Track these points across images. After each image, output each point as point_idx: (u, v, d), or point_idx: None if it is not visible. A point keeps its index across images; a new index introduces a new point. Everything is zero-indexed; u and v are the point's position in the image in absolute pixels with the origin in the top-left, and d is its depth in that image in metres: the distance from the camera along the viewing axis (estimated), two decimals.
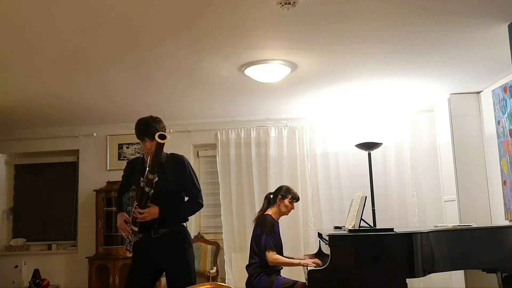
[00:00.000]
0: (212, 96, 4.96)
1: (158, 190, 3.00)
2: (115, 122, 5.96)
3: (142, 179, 2.97)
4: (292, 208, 4.03)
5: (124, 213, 3.19)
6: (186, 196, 3.23)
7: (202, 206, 3.22)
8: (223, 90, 4.75)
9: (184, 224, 3.22)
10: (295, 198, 4.04)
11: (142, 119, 3.11)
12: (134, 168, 3.24)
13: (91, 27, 3.12)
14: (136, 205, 3.02)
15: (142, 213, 2.99)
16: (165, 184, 3.06)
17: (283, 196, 3.97)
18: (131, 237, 3.10)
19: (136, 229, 3.07)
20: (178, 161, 3.20)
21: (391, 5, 2.93)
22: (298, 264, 3.83)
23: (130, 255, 3.20)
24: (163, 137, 2.86)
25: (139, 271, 3.14)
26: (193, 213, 3.27)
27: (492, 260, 3.68)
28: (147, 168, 2.94)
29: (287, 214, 4.06)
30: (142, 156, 3.29)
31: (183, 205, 3.21)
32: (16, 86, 4.40)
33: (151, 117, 3.12)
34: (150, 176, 2.92)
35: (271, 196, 4.06)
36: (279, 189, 4.06)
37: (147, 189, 2.95)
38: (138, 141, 3.18)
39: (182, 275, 3.08)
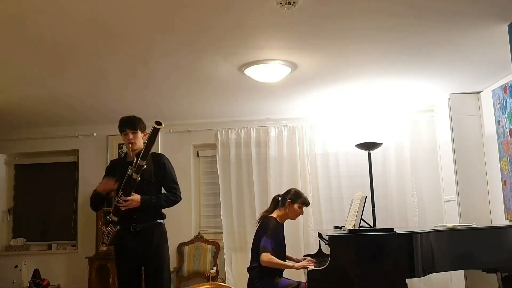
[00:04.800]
0: (212, 96, 4.96)
1: (139, 183, 3.21)
2: (115, 122, 5.92)
3: (130, 167, 3.16)
4: (301, 213, 3.92)
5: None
6: (165, 190, 3.43)
7: (180, 199, 3.42)
8: (223, 90, 4.75)
9: (162, 220, 3.40)
10: (305, 203, 3.90)
11: (124, 116, 3.47)
12: (116, 165, 3.44)
13: (90, 27, 3.12)
14: (121, 194, 3.19)
15: (127, 201, 3.17)
16: (144, 176, 3.25)
17: (293, 200, 3.84)
18: (110, 228, 3.27)
19: (115, 219, 3.25)
20: (159, 158, 3.47)
21: (391, 5, 2.92)
22: (292, 267, 3.73)
23: (104, 249, 3.39)
24: (159, 123, 3.07)
25: (127, 269, 3.28)
26: (171, 205, 3.40)
27: (492, 260, 3.68)
28: (140, 155, 3.14)
29: (293, 219, 3.97)
30: (122, 155, 3.52)
31: (161, 196, 3.39)
32: (16, 86, 4.40)
33: (133, 115, 3.47)
34: (141, 163, 3.12)
35: (279, 198, 3.95)
36: (288, 192, 3.93)
37: (135, 175, 3.15)
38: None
39: (157, 270, 3.26)
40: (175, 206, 3.44)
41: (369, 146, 5.16)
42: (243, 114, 5.80)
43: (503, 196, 4.57)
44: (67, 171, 6.27)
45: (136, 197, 3.21)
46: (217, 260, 5.68)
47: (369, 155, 5.20)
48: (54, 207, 6.22)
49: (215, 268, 5.55)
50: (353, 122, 5.74)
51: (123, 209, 3.20)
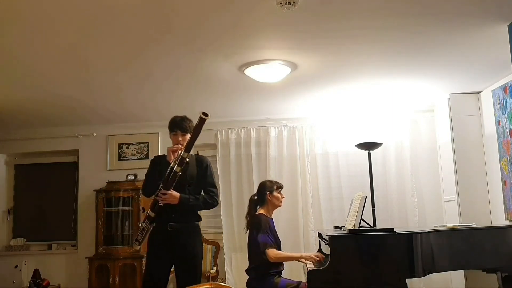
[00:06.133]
0: (212, 96, 4.96)
1: (179, 182, 3.20)
2: (115, 122, 5.96)
3: (174, 160, 3.16)
4: (283, 197, 3.98)
5: None
6: (204, 192, 3.43)
7: (217, 203, 3.45)
8: (223, 90, 4.75)
9: (198, 222, 3.42)
10: (280, 187, 3.98)
11: (177, 115, 3.44)
12: (158, 165, 3.38)
13: (91, 28, 3.12)
14: (161, 187, 3.18)
15: (165, 194, 3.15)
16: (187, 178, 3.27)
17: (271, 190, 3.90)
18: (145, 224, 3.25)
19: (153, 215, 3.23)
20: (201, 160, 3.47)
21: (391, 5, 2.92)
22: (300, 257, 3.76)
23: (138, 247, 3.38)
24: (206, 114, 3.12)
25: (159, 268, 3.27)
26: (208, 207, 3.43)
27: (492, 260, 3.68)
28: (184, 148, 3.16)
29: (280, 206, 3.99)
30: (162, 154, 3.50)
31: (199, 197, 3.39)
32: (16, 87, 4.40)
33: (185, 116, 3.46)
34: (184, 155, 3.13)
35: (256, 197, 3.97)
36: (263, 186, 3.97)
37: (177, 169, 3.14)
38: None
39: (190, 271, 3.28)
40: None
41: (369, 146, 5.15)
42: (243, 114, 5.80)
43: (503, 196, 4.57)
44: (67, 171, 6.26)
45: (175, 193, 3.19)
46: (217, 260, 5.68)
47: (369, 155, 5.20)
48: (54, 207, 6.22)
49: (215, 268, 5.55)
50: (353, 122, 5.74)
51: (161, 203, 3.18)
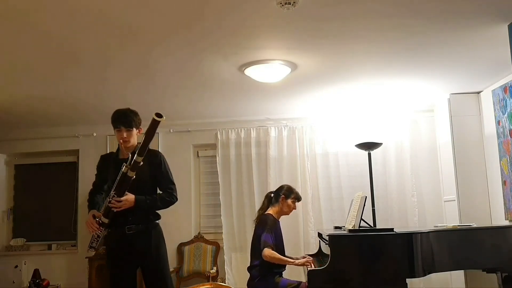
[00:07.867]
0: (212, 96, 4.96)
1: (133, 182, 2.98)
2: None
3: (125, 164, 2.93)
4: (294, 208, 4.04)
5: (96, 210, 3.11)
6: (160, 190, 3.24)
7: (176, 199, 3.23)
8: (223, 90, 4.76)
9: (158, 221, 3.24)
10: (297, 198, 4.03)
11: (119, 109, 3.19)
12: (108, 162, 3.23)
13: (91, 27, 3.12)
14: (114, 193, 2.97)
15: (120, 201, 2.95)
16: (140, 176, 3.04)
17: (286, 196, 3.96)
18: (100, 232, 3.02)
19: (106, 221, 3.02)
20: (154, 155, 3.22)
21: (391, 5, 2.92)
22: (293, 263, 3.76)
23: (93, 252, 3.19)
24: (160, 115, 2.83)
25: (123, 274, 3.13)
26: (166, 206, 3.20)
27: (492, 260, 3.68)
28: (136, 151, 2.92)
29: (288, 214, 4.06)
30: (115, 151, 3.34)
31: (156, 197, 3.19)
32: (15, 86, 4.40)
33: (128, 108, 3.21)
34: (138, 159, 2.88)
35: (272, 195, 4.06)
36: (281, 188, 4.05)
37: (130, 173, 2.92)
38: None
39: (160, 272, 3.13)
40: (171, 206, 3.26)
41: (369, 146, 5.16)
42: (243, 114, 5.80)
43: (503, 196, 4.57)
44: (67, 171, 6.26)
45: (130, 197, 2.99)
46: (217, 260, 5.68)
47: (369, 155, 5.20)
48: (54, 207, 6.22)
49: (215, 268, 5.55)
50: (353, 122, 5.74)
51: (115, 210, 2.98)
